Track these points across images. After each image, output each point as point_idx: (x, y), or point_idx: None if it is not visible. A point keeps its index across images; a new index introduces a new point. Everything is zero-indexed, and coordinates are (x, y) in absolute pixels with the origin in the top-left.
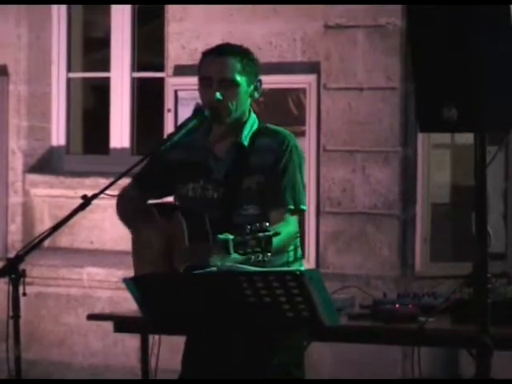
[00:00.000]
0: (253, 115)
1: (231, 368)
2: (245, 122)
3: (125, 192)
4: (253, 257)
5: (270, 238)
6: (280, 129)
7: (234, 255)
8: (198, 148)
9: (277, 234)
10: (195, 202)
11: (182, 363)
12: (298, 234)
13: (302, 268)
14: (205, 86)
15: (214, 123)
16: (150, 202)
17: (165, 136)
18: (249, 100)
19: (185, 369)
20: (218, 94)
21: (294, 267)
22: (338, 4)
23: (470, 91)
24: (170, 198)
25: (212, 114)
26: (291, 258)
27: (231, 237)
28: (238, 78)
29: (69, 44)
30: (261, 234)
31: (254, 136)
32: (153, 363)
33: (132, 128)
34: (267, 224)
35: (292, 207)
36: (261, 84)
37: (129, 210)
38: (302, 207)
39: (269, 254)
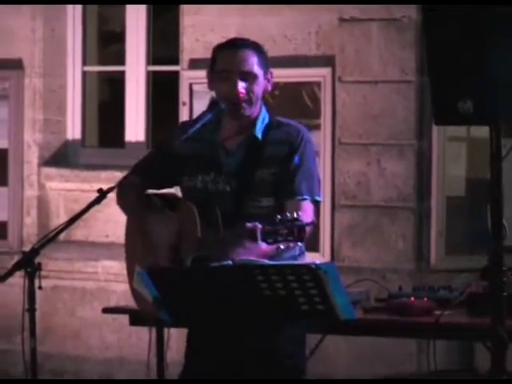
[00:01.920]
0: (263, 108)
1: (240, 360)
2: (257, 116)
3: (125, 180)
4: (282, 246)
5: (303, 226)
6: (292, 121)
7: (261, 244)
8: (207, 141)
9: (310, 223)
10: (205, 195)
11: (187, 356)
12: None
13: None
14: (222, 79)
15: (232, 117)
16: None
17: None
18: (262, 92)
19: (190, 363)
20: (241, 86)
21: (300, 261)
22: None
23: (485, 84)
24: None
25: (231, 108)
26: (297, 253)
27: (259, 225)
28: (256, 70)
29: (84, 37)
30: (295, 223)
31: (267, 129)
32: (168, 356)
33: (147, 121)
34: (300, 213)
35: (307, 197)
36: (272, 76)
37: (131, 196)
38: (317, 198)
39: (300, 244)
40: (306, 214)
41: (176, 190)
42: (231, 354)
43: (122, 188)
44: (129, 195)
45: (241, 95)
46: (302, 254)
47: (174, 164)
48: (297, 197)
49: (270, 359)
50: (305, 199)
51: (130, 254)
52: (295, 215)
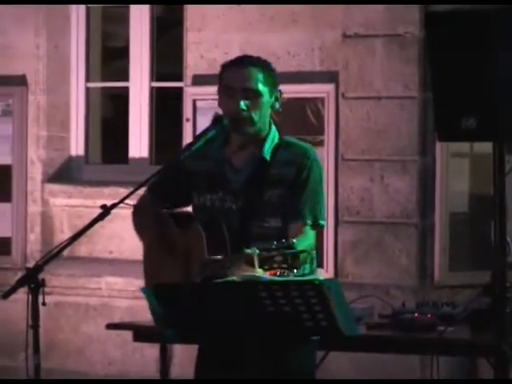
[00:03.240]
0: (273, 128)
1: (247, 377)
2: (266, 136)
3: (140, 202)
4: (278, 273)
5: (297, 254)
6: (301, 142)
7: (258, 270)
8: (215, 159)
9: (303, 251)
10: (213, 213)
11: (196, 372)
12: (314, 248)
13: (317, 277)
14: (227, 95)
15: (236, 133)
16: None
17: (183, 145)
18: (269, 111)
19: (198, 377)
20: (242, 104)
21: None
22: (356, 4)
23: (488, 100)
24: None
25: (234, 124)
26: (307, 271)
27: (257, 251)
28: (261, 88)
29: (87, 54)
30: (288, 251)
31: (275, 149)
32: (172, 372)
33: (151, 137)
34: (294, 241)
35: (310, 222)
36: (281, 95)
37: (144, 219)
38: (321, 222)
39: (295, 271)
40: (307, 238)
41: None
42: (238, 370)
43: (136, 210)
44: (142, 217)
45: (242, 113)
46: (312, 272)
47: (185, 182)
48: (300, 221)
49: (279, 373)
50: (307, 223)
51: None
52: (290, 242)
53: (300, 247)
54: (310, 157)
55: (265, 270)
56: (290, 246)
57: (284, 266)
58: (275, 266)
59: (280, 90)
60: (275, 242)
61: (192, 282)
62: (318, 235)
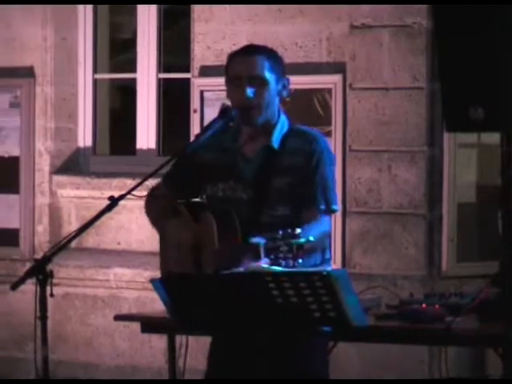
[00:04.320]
0: (283, 116)
1: (256, 368)
2: (275, 124)
3: (154, 191)
4: (283, 262)
5: (301, 245)
6: (310, 130)
7: (265, 260)
8: (227, 149)
9: (309, 241)
10: (225, 202)
11: (208, 362)
12: (329, 235)
13: (330, 269)
14: (234, 85)
15: (244, 124)
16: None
17: (191, 137)
18: (277, 99)
19: (210, 368)
20: (248, 91)
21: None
22: (363, 4)
23: (496, 91)
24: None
25: (242, 114)
26: (318, 261)
27: (263, 241)
28: (267, 75)
29: (95, 45)
30: (293, 241)
31: (285, 137)
32: (181, 364)
33: (158, 129)
34: (299, 230)
35: (324, 207)
36: (289, 83)
37: (157, 208)
38: (334, 207)
39: (300, 261)
40: (321, 224)
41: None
42: (249, 362)
43: (149, 199)
44: (155, 206)
45: (249, 100)
46: (324, 262)
47: (198, 173)
48: (313, 206)
49: (289, 366)
50: (321, 209)
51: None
52: (296, 231)
53: (310, 235)
54: (319, 144)
55: (270, 259)
56: (294, 235)
57: (289, 255)
58: (280, 255)
59: (288, 78)
60: (280, 232)
61: (201, 272)
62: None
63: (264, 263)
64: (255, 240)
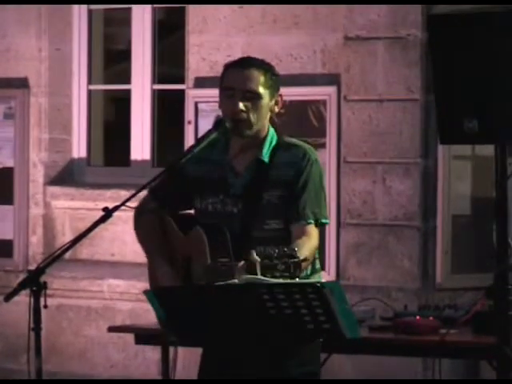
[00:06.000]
0: (271, 130)
1: (249, 379)
2: (264, 138)
3: (142, 207)
4: (280, 280)
5: (299, 263)
6: (299, 142)
7: (260, 278)
8: (216, 162)
9: (305, 259)
10: (215, 217)
11: (199, 375)
12: (317, 248)
13: (321, 279)
14: (227, 96)
15: (235, 135)
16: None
17: (185, 148)
18: (269, 114)
19: (203, 375)
20: (241, 105)
21: (312, 279)
22: (358, 4)
23: (490, 103)
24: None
25: (233, 126)
26: (309, 272)
27: (259, 259)
28: (261, 90)
29: (89, 56)
30: (290, 260)
31: (274, 151)
32: (174, 375)
33: (152, 140)
34: (296, 249)
35: (313, 221)
36: (281, 99)
37: (147, 223)
38: (324, 221)
39: (296, 280)
40: (311, 238)
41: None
42: (240, 372)
43: (139, 214)
44: (144, 221)
45: (240, 114)
46: (314, 272)
47: (187, 186)
48: (302, 221)
49: (282, 371)
50: (310, 223)
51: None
52: (293, 250)
53: (302, 252)
54: (309, 157)
55: (266, 277)
56: (292, 254)
57: (286, 274)
58: (277, 274)
59: (280, 94)
60: (277, 250)
61: (194, 284)
62: (320, 237)
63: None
64: (251, 257)
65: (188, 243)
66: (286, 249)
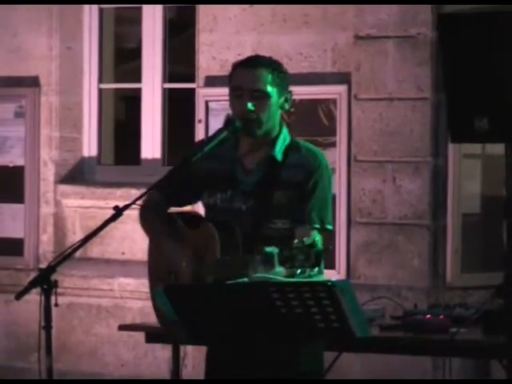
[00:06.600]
0: (284, 129)
1: (258, 377)
2: (277, 136)
3: (148, 201)
4: (298, 271)
5: (320, 253)
6: (312, 146)
7: (278, 269)
8: (226, 159)
9: (329, 248)
10: (223, 213)
11: (206, 375)
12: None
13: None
14: (236, 96)
15: (245, 135)
16: (172, 209)
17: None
18: (279, 112)
19: (209, 377)
20: (249, 105)
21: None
22: (368, 4)
23: (501, 102)
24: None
25: (243, 125)
26: (314, 272)
27: (277, 250)
28: (269, 89)
29: (100, 55)
30: (312, 249)
31: (286, 151)
32: (184, 373)
33: (163, 138)
34: (317, 238)
35: (318, 226)
36: (291, 96)
37: (152, 218)
38: (328, 227)
39: (316, 270)
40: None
41: (198, 209)
42: (249, 370)
43: (144, 209)
44: (151, 216)
45: (249, 114)
46: (319, 274)
47: (195, 182)
48: (307, 225)
49: (288, 374)
50: (314, 228)
51: (152, 274)
52: (312, 241)
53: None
54: (320, 162)
55: (286, 268)
56: (312, 244)
57: (307, 264)
58: (297, 264)
59: (290, 91)
60: (296, 241)
61: (204, 283)
62: (330, 237)
63: (278, 272)
64: (269, 249)
65: (198, 239)
66: (305, 239)
